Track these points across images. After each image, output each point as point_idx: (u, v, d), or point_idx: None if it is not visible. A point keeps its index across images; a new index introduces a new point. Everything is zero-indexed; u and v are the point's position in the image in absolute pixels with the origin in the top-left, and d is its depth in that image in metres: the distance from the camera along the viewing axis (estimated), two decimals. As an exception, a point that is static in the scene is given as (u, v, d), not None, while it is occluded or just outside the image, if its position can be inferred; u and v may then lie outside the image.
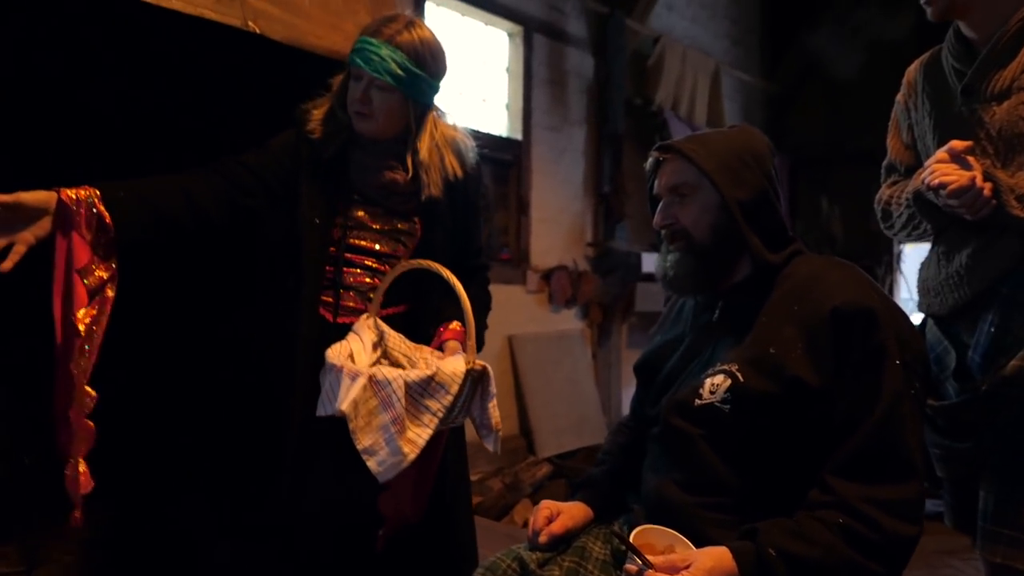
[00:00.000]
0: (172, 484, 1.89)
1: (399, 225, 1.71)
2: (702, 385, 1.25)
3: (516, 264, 4.42)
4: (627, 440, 1.54)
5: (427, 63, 1.61)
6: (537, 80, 4.65)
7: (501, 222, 4.36)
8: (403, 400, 1.39)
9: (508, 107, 4.60)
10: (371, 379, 1.40)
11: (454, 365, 1.46)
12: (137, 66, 1.93)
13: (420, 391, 1.42)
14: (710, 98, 5.78)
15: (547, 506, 1.37)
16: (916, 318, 1.43)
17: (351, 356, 1.51)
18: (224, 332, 2.03)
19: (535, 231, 4.52)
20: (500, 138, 4.41)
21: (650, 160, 1.39)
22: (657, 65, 5.27)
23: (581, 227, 4.87)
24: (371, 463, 1.38)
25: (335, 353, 1.48)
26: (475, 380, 1.47)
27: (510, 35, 4.63)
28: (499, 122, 4.58)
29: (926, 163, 1.39)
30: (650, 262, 4.95)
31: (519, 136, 4.53)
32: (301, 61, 1.78)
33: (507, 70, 4.63)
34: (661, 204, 1.36)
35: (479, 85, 4.45)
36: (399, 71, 1.56)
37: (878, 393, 1.12)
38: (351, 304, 1.66)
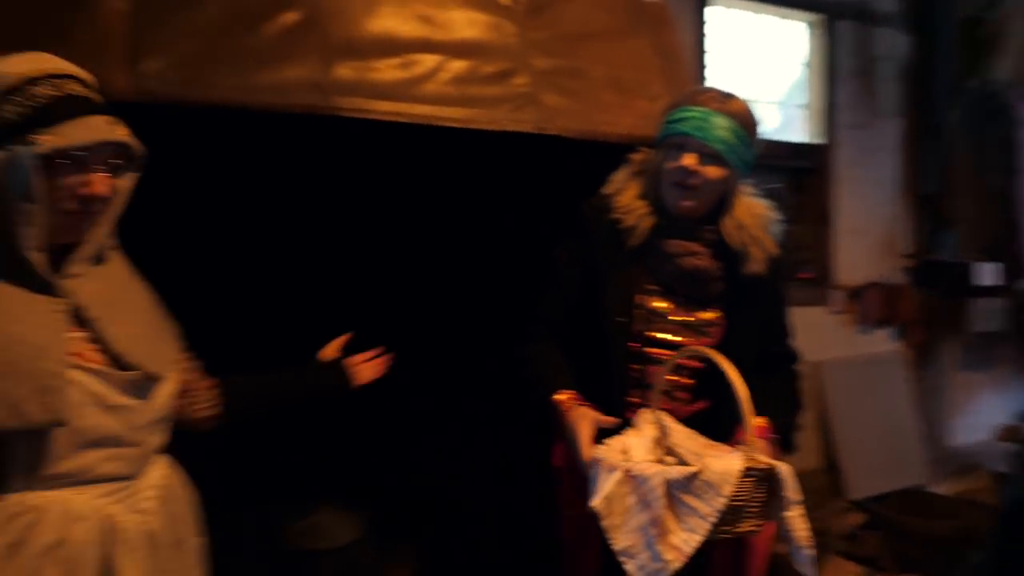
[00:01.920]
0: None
1: (701, 315, 1.59)
2: None
3: (819, 282, 4.01)
4: None
5: (752, 132, 1.53)
6: (841, 72, 4.14)
7: (799, 237, 3.97)
8: (663, 499, 1.26)
9: (808, 107, 4.16)
10: (627, 473, 1.29)
11: (727, 463, 1.29)
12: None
13: (683, 490, 1.27)
14: (1070, 66, 4.73)
15: None
16: None
17: (624, 450, 1.43)
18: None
19: (840, 244, 4.06)
20: (798, 144, 4.01)
21: None
22: (998, 31, 4.40)
23: (894, 236, 4.28)
24: (630, 566, 1.28)
25: (607, 446, 1.42)
26: (759, 481, 1.30)
27: (810, 25, 4.18)
28: (793, 123, 4.16)
29: None
30: (983, 273, 4.21)
31: (819, 139, 4.08)
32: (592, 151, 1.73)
33: (806, 65, 4.19)
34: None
35: (774, 86, 4.09)
36: (733, 139, 1.47)
37: None
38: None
